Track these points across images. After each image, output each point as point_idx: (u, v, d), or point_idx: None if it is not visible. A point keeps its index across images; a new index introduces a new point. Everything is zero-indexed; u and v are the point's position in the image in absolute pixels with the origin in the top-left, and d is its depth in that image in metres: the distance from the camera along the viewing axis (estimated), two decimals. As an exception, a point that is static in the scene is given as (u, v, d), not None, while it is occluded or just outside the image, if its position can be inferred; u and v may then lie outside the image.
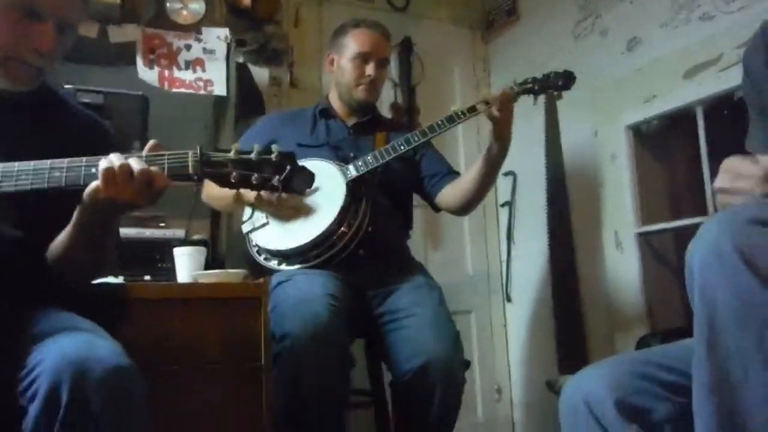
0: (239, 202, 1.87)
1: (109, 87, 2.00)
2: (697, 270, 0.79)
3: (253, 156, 1.10)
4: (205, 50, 2.26)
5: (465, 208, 2.00)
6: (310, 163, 1.83)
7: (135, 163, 1.06)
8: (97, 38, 2.12)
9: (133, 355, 1.17)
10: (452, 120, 1.84)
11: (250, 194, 1.79)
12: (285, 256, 1.80)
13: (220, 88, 2.26)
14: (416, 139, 1.85)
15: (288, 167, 1.11)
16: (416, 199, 2.14)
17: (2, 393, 1.00)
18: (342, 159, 1.90)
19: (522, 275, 2.89)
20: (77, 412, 0.96)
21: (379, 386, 1.98)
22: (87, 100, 1.93)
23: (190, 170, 1.08)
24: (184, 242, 1.90)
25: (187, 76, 2.22)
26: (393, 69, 2.91)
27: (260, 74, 2.57)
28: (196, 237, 2.03)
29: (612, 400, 0.93)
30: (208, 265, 1.81)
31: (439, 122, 1.85)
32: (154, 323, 1.50)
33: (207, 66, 2.25)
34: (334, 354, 1.58)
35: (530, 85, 1.88)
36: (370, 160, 1.85)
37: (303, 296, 1.62)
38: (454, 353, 1.70)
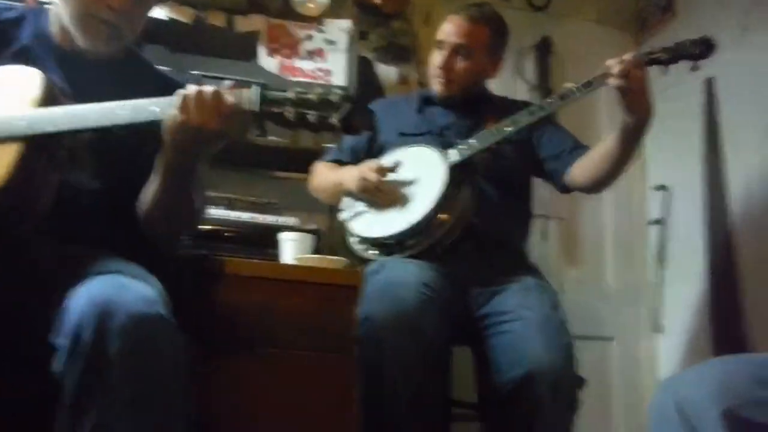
0: (340, 189, 1.80)
1: (232, 75, 2.05)
2: None
3: (312, 96, 1.06)
4: (326, 41, 2.25)
5: (598, 183, 1.73)
6: (410, 150, 1.78)
7: (205, 88, 1.07)
8: (224, 28, 2.18)
9: (223, 331, 1.24)
10: (565, 97, 1.67)
11: (350, 182, 1.73)
12: (381, 244, 1.69)
13: (339, 79, 2.23)
14: (524, 119, 1.68)
15: (347, 105, 1.05)
16: (552, 210, 1.96)
17: (45, 333, 0.98)
18: (447, 146, 1.76)
19: (676, 302, 2.51)
20: (97, 356, 0.91)
21: (488, 400, 1.75)
22: (211, 88, 2.00)
23: (247, 104, 1.06)
24: (294, 230, 1.88)
25: (308, 65, 2.22)
26: (529, 71, 2.73)
27: (387, 72, 2.52)
28: (308, 226, 2.00)
29: (718, 410, 0.74)
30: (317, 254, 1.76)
31: (550, 100, 1.69)
32: (249, 301, 1.49)
33: (328, 56, 2.24)
34: (422, 347, 1.42)
35: (657, 55, 1.60)
36: (474, 143, 1.70)
37: (392, 280, 1.49)
38: (565, 365, 1.46)
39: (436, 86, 1.85)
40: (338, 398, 1.47)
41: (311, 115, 1.05)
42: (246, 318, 1.45)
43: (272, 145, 1.90)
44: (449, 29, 1.82)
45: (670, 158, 2.61)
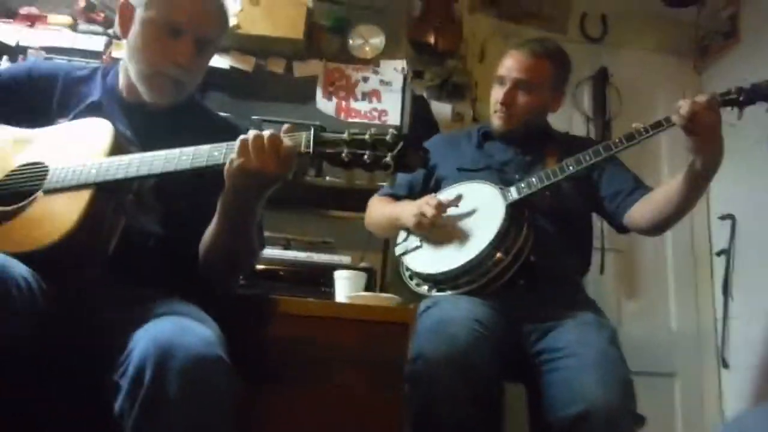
0: (396, 224, 1.82)
1: (290, 119, 2.13)
2: None
3: (366, 137, 1.09)
4: (382, 82, 2.31)
5: (659, 226, 1.72)
6: (469, 186, 1.80)
7: (264, 133, 1.12)
8: (283, 73, 2.27)
9: (273, 368, 1.24)
10: (632, 138, 1.63)
11: (407, 217, 1.75)
12: (436, 280, 1.70)
13: (394, 118, 2.28)
14: (588, 158, 1.66)
15: (401, 144, 1.08)
16: (609, 242, 1.92)
17: (108, 371, 1.03)
18: (506, 182, 1.77)
19: (742, 337, 2.43)
20: (156, 395, 0.95)
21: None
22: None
23: (302, 147, 1.10)
24: (348, 268, 1.92)
25: (363, 106, 2.28)
26: (586, 102, 2.73)
27: (442, 109, 2.57)
28: (362, 264, 2.05)
29: None
30: (372, 290, 1.81)
31: (618, 140, 1.66)
32: (300, 338, 1.52)
33: (383, 97, 2.30)
34: (473, 384, 1.41)
35: (734, 96, 1.57)
36: (535, 182, 1.70)
37: (444, 318, 1.50)
38: (622, 402, 1.42)
39: (496, 121, 1.86)
40: None
41: (366, 155, 1.07)
42: (297, 354, 1.47)
43: (328, 185, 1.96)
44: (510, 64, 1.83)
45: (736, 186, 2.53)
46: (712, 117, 1.50)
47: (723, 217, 2.56)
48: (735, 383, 2.44)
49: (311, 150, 1.10)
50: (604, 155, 1.66)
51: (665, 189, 1.68)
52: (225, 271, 1.31)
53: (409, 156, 1.07)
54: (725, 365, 2.48)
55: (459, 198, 1.72)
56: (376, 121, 2.28)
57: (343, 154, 1.08)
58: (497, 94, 1.84)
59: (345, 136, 1.09)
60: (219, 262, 1.27)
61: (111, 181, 1.16)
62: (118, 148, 1.21)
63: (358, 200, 2.00)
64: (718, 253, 2.57)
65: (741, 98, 1.57)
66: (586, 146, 1.70)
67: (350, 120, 2.27)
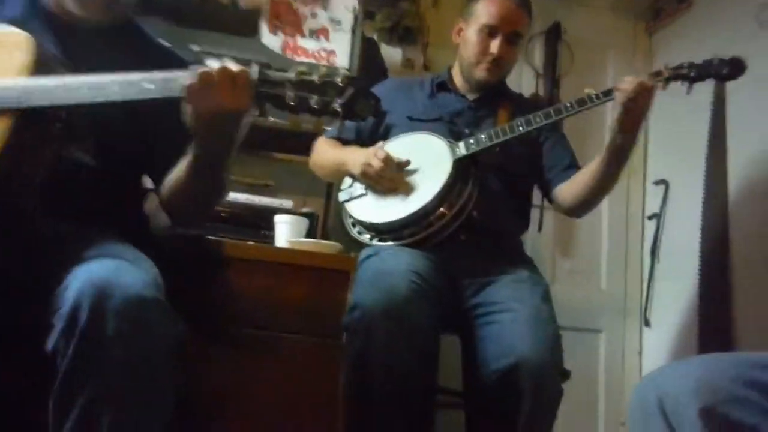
0: (342, 170, 1.81)
1: (234, 53, 2.04)
2: None
3: (315, 78, 1.04)
4: (331, 20, 2.23)
5: (578, 208, 1.81)
6: (418, 137, 1.79)
7: (213, 64, 1.05)
8: (229, 5, 2.17)
9: (215, 312, 1.23)
10: (582, 103, 1.66)
11: (353, 164, 1.74)
12: (378, 230, 1.71)
13: (342, 60, 2.22)
14: (538, 120, 1.68)
15: (351, 90, 1.03)
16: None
17: (39, 311, 1.00)
18: (456, 135, 1.78)
19: (666, 298, 2.55)
20: (92, 336, 0.93)
21: (473, 389, 1.79)
22: (214, 65, 1.99)
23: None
24: (289, 213, 1.90)
25: (311, 45, 2.21)
26: (537, 57, 2.73)
27: (392, 54, 2.53)
28: (304, 210, 2.03)
29: (697, 407, 0.75)
30: (314, 237, 1.81)
31: (568, 104, 1.67)
32: (241, 283, 1.52)
33: (331, 36, 2.23)
34: (410, 336, 1.44)
35: (685, 71, 1.61)
36: (483, 139, 1.71)
37: (384, 269, 1.51)
38: (550, 358, 1.49)
39: (481, 72, 1.83)
40: (326, 383, 1.50)
41: (313, 100, 1.03)
42: (237, 300, 1.48)
43: (271, 126, 1.90)
44: (503, 14, 1.78)
45: (673, 154, 2.62)
46: (648, 100, 1.55)
47: (657, 182, 2.65)
48: (655, 341, 2.58)
49: (255, 89, 1.04)
50: (554, 118, 1.68)
51: (587, 169, 1.74)
52: (194, 214, 1.29)
53: (359, 104, 1.04)
54: (647, 324, 2.61)
55: (408, 162, 1.72)
56: (324, 62, 2.21)
57: (289, 97, 1.03)
58: (486, 44, 1.80)
59: (292, 75, 1.04)
60: (187, 206, 1.24)
61: (34, 108, 1.05)
62: (41, 65, 1.09)
63: (302, 143, 1.96)
64: (650, 217, 2.68)
65: (692, 74, 1.61)
66: (538, 108, 1.72)
67: (297, 58, 2.20)
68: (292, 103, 1.04)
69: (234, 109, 1.05)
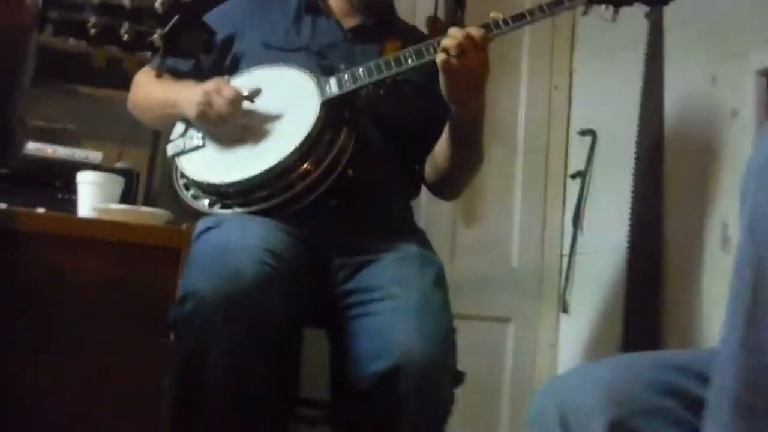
0: (172, 112, 1.76)
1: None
2: (755, 182, 0.67)
3: (125, 1, 1.04)
4: None
5: (436, 189, 1.94)
6: (275, 71, 1.76)
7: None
8: None
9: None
10: (488, 30, 1.66)
11: (188, 104, 1.70)
12: (220, 193, 1.68)
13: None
14: (432, 51, 1.67)
15: (175, 18, 1.04)
16: None
17: None
18: (327, 71, 1.77)
19: (588, 277, 2.69)
20: None
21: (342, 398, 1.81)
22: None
23: None
24: (99, 168, 1.86)
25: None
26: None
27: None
28: (119, 164, 1.98)
29: (604, 420, 0.80)
30: (130, 203, 1.82)
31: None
32: (28, 266, 1.48)
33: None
34: (259, 333, 1.44)
35: None
36: (362, 74, 1.71)
37: (227, 245, 1.50)
38: (440, 357, 1.54)
39: None
40: (147, 392, 1.51)
41: (123, 29, 1.04)
42: (25, 290, 1.44)
43: (73, 50, 1.82)
44: None
45: (601, 98, 2.74)
46: (480, 59, 1.61)
47: (583, 133, 2.76)
48: (573, 330, 2.73)
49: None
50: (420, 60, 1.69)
51: (440, 141, 1.81)
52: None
53: (186, 37, 1.05)
54: (565, 310, 2.76)
55: (258, 92, 1.70)
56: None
57: (90, 24, 1.03)
58: None
59: None
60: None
61: None
62: None
63: (115, 73, 1.87)
64: (573, 176, 2.80)
65: None
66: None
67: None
68: (92, 32, 1.04)
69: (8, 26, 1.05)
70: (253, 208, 1.64)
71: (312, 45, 1.85)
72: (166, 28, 1.03)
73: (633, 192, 2.46)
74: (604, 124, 2.70)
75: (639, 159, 2.46)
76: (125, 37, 1.03)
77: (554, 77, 2.84)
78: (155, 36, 1.03)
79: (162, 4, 1.03)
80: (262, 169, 1.63)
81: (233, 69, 1.81)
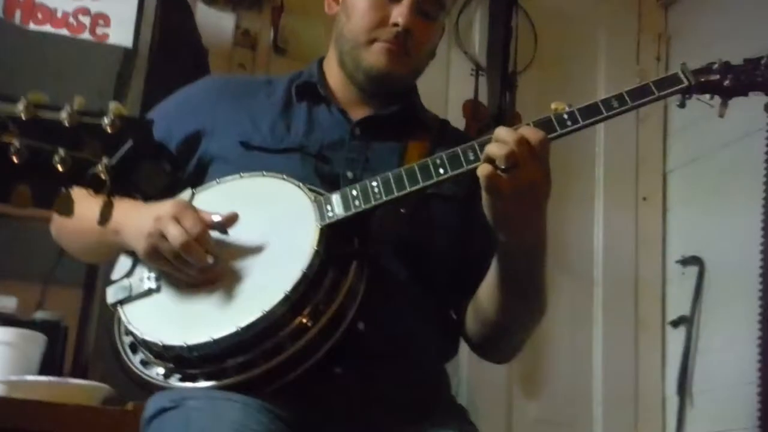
0: (112, 241, 1.80)
1: None
2: None
3: (64, 114, 1.04)
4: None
5: (486, 348, 1.96)
6: (258, 183, 1.83)
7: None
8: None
9: None
10: (550, 128, 1.72)
11: (134, 233, 1.72)
12: (180, 359, 1.69)
13: (121, 35, 2.24)
14: (472, 156, 1.72)
15: (128, 144, 1.06)
16: None
17: None
18: (327, 180, 1.84)
19: None
20: None
21: None
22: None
23: None
24: (12, 322, 1.89)
25: (64, 4, 2.22)
26: (477, 40, 2.86)
27: (218, 22, 2.61)
28: (39, 315, 2.01)
29: None
30: (55, 369, 1.83)
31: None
32: None
33: (102, -9, 2.26)
34: None
35: (716, 77, 1.77)
36: (376, 190, 1.75)
37: (190, 436, 1.51)
38: None
39: (375, 56, 1.91)
40: None
41: (57, 156, 1.04)
42: None
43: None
44: None
45: (708, 219, 2.80)
46: (539, 170, 1.62)
47: (684, 261, 2.86)
48: None
49: None
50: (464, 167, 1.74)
51: (485, 281, 1.85)
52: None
53: (141, 171, 1.08)
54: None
55: (235, 218, 1.72)
56: (86, 37, 2.22)
57: (13, 146, 1.02)
58: (383, 10, 1.90)
59: (18, 108, 1.03)
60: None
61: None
62: None
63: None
64: (674, 323, 2.86)
65: (727, 82, 1.75)
66: (470, 140, 1.78)
67: (35, 29, 2.20)
68: (15, 160, 1.02)
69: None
70: (227, 382, 1.64)
71: (308, 143, 1.90)
72: (115, 159, 1.04)
73: (761, 342, 2.51)
74: (712, 250, 2.77)
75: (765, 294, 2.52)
76: (60, 166, 1.03)
77: (641, 185, 2.93)
78: (99, 167, 1.04)
79: (112, 122, 1.04)
80: (238, 327, 1.63)
81: (199, 178, 1.86)
